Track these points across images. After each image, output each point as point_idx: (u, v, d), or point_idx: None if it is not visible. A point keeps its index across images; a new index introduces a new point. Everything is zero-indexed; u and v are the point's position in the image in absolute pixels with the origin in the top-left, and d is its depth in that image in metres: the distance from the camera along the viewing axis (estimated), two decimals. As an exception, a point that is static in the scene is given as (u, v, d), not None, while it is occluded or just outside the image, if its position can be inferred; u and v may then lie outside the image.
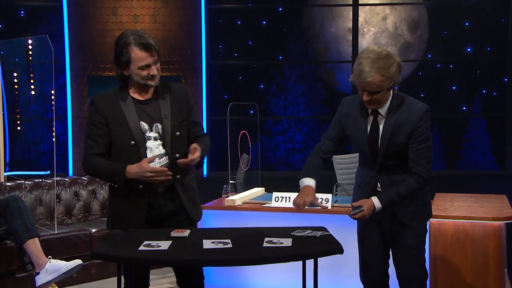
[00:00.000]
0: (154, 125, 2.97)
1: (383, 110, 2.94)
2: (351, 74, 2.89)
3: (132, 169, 2.82)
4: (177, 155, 2.97)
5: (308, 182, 2.99)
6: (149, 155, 2.94)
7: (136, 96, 3.00)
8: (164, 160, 2.96)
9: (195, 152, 2.87)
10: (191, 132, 3.09)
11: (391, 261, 3.18)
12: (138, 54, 2.88)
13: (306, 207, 2.89)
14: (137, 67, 2.90)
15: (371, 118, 2.97)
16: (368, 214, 2.91)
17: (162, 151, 2.97)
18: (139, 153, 2.92)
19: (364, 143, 2.99)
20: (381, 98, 2.87)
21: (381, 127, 2.95)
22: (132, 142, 2.92)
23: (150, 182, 2.84)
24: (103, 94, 3.04)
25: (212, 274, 4.45)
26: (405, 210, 3.01)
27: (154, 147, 2.96)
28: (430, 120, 2.98)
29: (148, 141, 2.95)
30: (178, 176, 2.99)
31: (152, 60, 2.91)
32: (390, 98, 2.93)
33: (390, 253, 3.18)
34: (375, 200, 2.92)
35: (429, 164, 2.94)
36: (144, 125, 2.96)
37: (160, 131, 2.97)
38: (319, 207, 2.97)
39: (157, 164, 2.94)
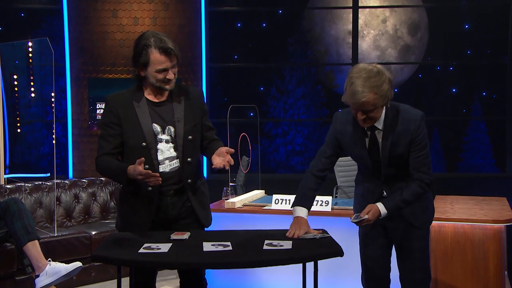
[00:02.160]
0: (167, 127, 2.96)
1: (379, 124, 2.92)
2: (343, 95, 2.83)
3: (130, 169, 2.80)
4: (188, 159, 2.97)
5: (300, 212, 2.99)
6: (160, 157, 2.94)
7: (151, 97, 2.99)
8: (175, 163, 2.96)
9: (227, 155, 2.85)
10: (205, 136, 3.08)
11: (393, 264, 3.17)
12: (157, 57, 2.87)
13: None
14: (154, 70, 2.89)
15: (368, 133, 2.96)
16: (372, 220, 2.91)
17: (174, 154, 2.96)
18: (150, 154, 2.92)
19: (365, 158, 2.99)
20: (375, 115, 2.85)
21: (380, 140, 2.94)
22: (144, 143, 2.92)
23: (145, 183, 2.81)
24: (117, 94, 3.03)
25: (212, 277, 4.45)
26: (412, 212, 3.02)
27: (166, 150, 2.95)
28: (428, 123, 2.97)
29: (159, 143, 2.95)
30: (189, 180, 2.99)
31: (170, 64, 2.90)
32: (384, 111, 2.91)
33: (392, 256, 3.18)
34: (380, 206, 2.92)
35: (430, 169, 2.95)
36: (157, 127, 2.95)
37: (173, 134, 2.96)
38: (313, 237, 2.91)
39: (168, 167, 2.95)
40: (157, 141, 2.94)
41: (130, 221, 3.00)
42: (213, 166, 2.87)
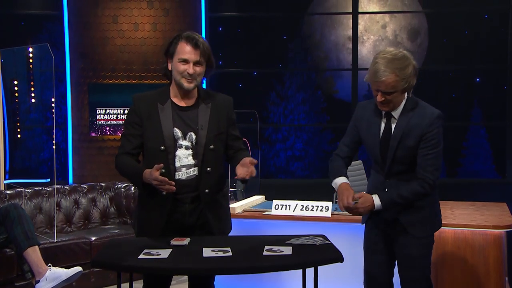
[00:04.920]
0: (189, 134, 2.89)
1: (396, 113, 2.92)
2: (366, 75, 2.87)
3: (146, 173, 2.76)
4: (208, 168, 2.90)
5: (342, 180, 3.00)
6: (177, 163, 2.88)
7: (177, 101, 2.93)
8: (193, 171, 2.90)
9: (251, 166, 2.77)
10: (231, 146, 3.01)
11: (395, 269, 3.16)
12: (182, 46, 2.85)
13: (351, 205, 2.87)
14: (177, 60, 2.85)
15: (384, 120, 2.96)
16: (363, 209, 2.88)
17: (192, 161, 2.89)
18: (168, 159, 2.86)
19: (376, 146, 2.98)
20: (394, 99, 2.85)
21: (393, 129, 2.94)
22: (162, 147, 2.87)
23: (160, 189, 2.77)
24: (144, 94, 2.99)
25: (216, 283, 4.43)
26: (409, 217, 2.97)
27: (183, 157, 2.89)
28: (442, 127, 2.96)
29: (179, 149, 2.88)
30: (206, 190, 2.91)
31: (193, 57, 2.84)
32: (404, 101, 2.92)
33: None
34: (375, 198, 2.90)
35: (437, 170, 2.89)
36: (178, 132, 2.89)
37: (193, 141, 2.89)
38: (314, 243, 2.87)
39: (184, 174, 2.89)
40: (176, 146, 2.88)
41: (144, 222, 2.98)
42: (235, 177, 2.81)
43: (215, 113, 2.95)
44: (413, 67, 2.83)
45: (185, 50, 2.84)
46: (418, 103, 2.95)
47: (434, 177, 2.88)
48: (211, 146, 2.90)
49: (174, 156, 2.88)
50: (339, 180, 3.01)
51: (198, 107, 2.93)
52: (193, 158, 2.90)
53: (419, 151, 2.90)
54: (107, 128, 7.06)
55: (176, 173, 2.88)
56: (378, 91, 2.83)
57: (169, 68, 2.92)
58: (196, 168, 2.89)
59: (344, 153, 3.10)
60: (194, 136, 2.90)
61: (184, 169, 2.89)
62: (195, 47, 2.84)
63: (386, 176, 2.98)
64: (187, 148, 2.90)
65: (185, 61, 2.85)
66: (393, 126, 2.94)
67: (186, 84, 2.87)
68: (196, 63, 2.86)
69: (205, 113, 2.93)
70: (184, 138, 2.89)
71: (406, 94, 2.91)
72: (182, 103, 2.93)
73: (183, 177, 2.89)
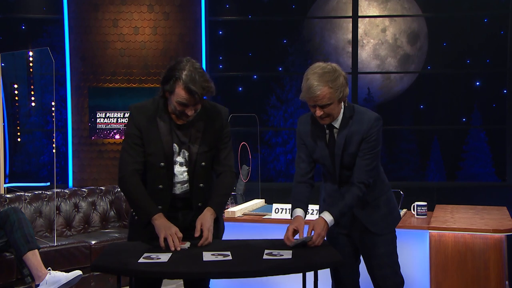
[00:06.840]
0: (182, 150, 2.89)
1: (336, 123, 2.98)
2: (301, 93, 2.90)
3: (159, 221, 2.77)
4: (200, 184, 2.92)
5: (298, 212, 3.02)
6: (173, 179, 2.90)
7: (174, 117, 2.89)
8: (186, 187, 2.92)
9: (204, 233, 2.80)
10: (215, 158, 2.97)
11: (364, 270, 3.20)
12: (180, 92, 2.77)
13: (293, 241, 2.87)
14: (175, 100, 2.80)
15: (327, 132, 3.02)
16: (323, 233, 2.88)
17: (186, 178, 2.91)
18: (167, 175, 2.87)
19: (325, 157, 3.04)
20: (332, 111, 2.90)
21: (336, 139, 3.00)
22: (162, 163, 2.86)
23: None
24: (141, 105, 2.93)
25: (212, 286, 4.43)
26: (370, 218, 3.07)
27: (179, 174, 2.90)
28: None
29: (175, 165, 2.89)
30: (199, 204, 2.93)
31: (192, 102, 2.79)
32: (342, 110, 2.98)
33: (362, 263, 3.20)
34: (326, 215, 2.92)
35: (372, 171, 2.98)
36: (176, 148, 2.89)
37: (187, 158, 2.90)
38: (304, 240, 2.88)
39: (178, 189, 2.91)
40: (173, 162, 2.89)
41: (140, 230, 2.94)
42: (195, 234, 2.81)
43: (208, 129, 2.93)
44: (344, 77, 2.90)
45: (183, 97, 2.77)
46: (355, 110, 3.00)
47: (370, 177, 2.98)
48: (203, 163, 2.91)
49: (173, 173, 2.89)
50: (297, 212, 3.02)
51: (193, 124, 2.90)
52: (187, 174, 2.91)
53: (359, 153, 2.98)
54: (107, 132, 7.07)
55: (172, 188, 2.91)
56: (315, 107, 2.88)
57: (166, 96, 2.85)
58: (187, 184, 2.92)
59: (303, 170, 3.10)
60: (187, 153, 2.90)
61: (179, 185, 2.91)
62: (192, 96, 2.77)
63: (339, 184, 3.05)
64: (181, 164, 2.91)
65: (183, 105, 2.79)
66: (336, 135, 3.00)
67: (183, 119, 2.85)
68: (194, 104, 2.81)
69: (199, 129, 2.91)
70: (179, 154, 2.90)
71: (342, 103, 2.96)
72: (177, 120, 2.89)
73: (177, 192, 2.92)
